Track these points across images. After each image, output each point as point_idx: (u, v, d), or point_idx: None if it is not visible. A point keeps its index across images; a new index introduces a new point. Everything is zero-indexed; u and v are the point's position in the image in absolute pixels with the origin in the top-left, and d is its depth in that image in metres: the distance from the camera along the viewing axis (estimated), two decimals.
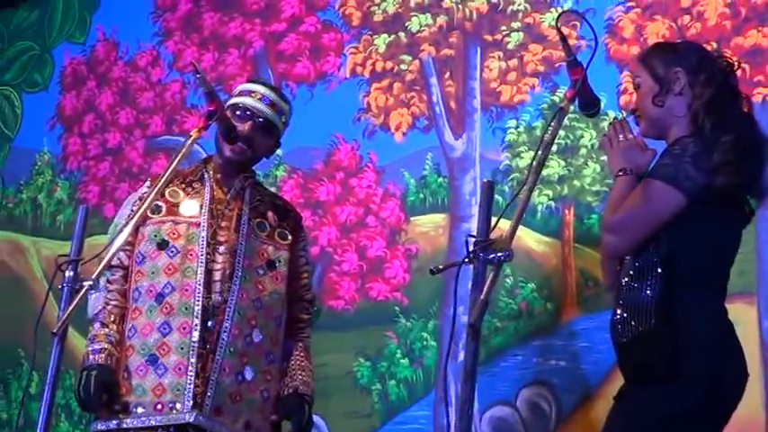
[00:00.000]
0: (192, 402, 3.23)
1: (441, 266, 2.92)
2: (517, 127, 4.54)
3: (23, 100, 5.84)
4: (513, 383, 4.28)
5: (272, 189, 4.46)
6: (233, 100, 3.55)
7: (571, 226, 4.33)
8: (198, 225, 3.42)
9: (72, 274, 3.06)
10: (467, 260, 2.69)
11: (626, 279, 3.06)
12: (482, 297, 2.56)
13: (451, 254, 4.42)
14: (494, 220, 2.74)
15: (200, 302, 3.31)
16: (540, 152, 2.83)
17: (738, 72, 3.25)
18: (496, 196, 3.94)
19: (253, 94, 3.53)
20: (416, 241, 4.61)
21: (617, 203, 3.07)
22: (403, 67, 4.86)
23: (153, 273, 3.39)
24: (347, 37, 5.04)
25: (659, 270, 2.97)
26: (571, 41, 3.99)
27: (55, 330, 2.98)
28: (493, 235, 2.70)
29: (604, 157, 4.31)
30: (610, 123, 3.28)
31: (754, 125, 3.15)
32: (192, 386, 3.24)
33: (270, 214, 3.52)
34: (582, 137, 4.38)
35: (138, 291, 3.40)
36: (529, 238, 4.36)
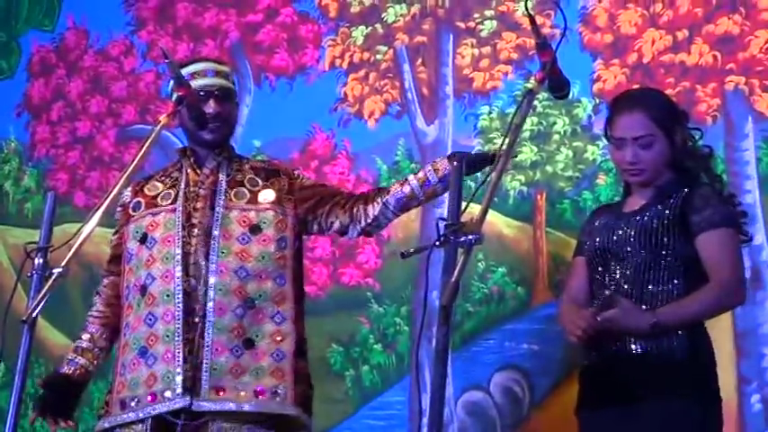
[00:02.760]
0: (181, 389, 3.22)
1: (411, 250, 2.92)
2: (490, 113, 4.55)
3: None
4: (486, 368, 4.30)
5: None
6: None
7: (543, 211, 4.35)
8: (174, 211, 3.41)
9: (41, 261, 3.04)
10: (437, 243, 2.68)
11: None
12: (453, 279, 2.56)
13: (424, 239, 4.42)
14: (464, 204, 2.74)
15: (181, 286, 3.30)
16: (509, 134, 2.82)
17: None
18: (469, 181, 3.98)
19: (196, 76, 3.50)
20: (389, 227, 4.60)
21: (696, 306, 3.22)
22: (379, 56, 4.85)
23: (137, 267, 3.40)
24: (324, 29, 5.02)
25: (679, 291, 3.22)
26: (545, 30, 4.01)
27: (24, 318, 2.96)
28: (464, 219, 2.69)
29: (577, 143, 4.34)
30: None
31: None
32: (180, 372, 3.23)
33: (248, 179, 3.49)
34: (554, 123, 4.40)
35: (128, 288, 3.42)
36: (501, 223, 4.37)
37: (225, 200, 3.42)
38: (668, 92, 4.13)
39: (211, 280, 3.30)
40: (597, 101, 4.33)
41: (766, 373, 3.87)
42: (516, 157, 3.99)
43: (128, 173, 3.15)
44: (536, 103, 4.28)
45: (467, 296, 4.33)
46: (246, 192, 3.45)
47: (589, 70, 4.35)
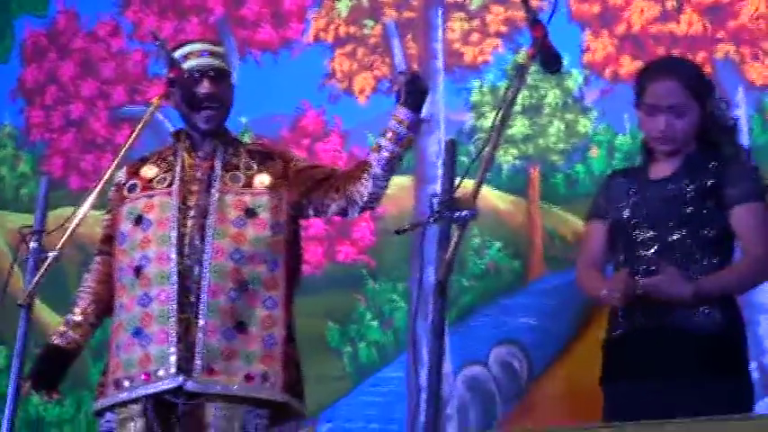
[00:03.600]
0: (175, 368, 3.20)
1: (406, 226, 2.93)
2: (481, 87, 4.56)
3: None
4: (484, 343, 4.32)
5: None
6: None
7: (536, 185, 4.36)
8: (170, 194, 3.39)
9: (36, 245, 3.06)
10: (431, 220, 2.69)
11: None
12: (448, 255, 2.57)
13: (418, 215, 4.42)
14: (458, 179, 2.74)
15: (176, 268, 3.29)
16: (502, 109, 2.82)
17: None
18: (461, 157, 3.99)
19: (190, 56, 3.46)
20: (382, 203, 4.61)
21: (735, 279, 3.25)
22: (366, 31, 4.85)
23: (130, 249, 3.37)
24: (308, 2, 5.01)
25: (712, 262, 3.20)
26: (534, 2, 4.00)
27: (21, 302, 2.97)
28: (458, 194, 2.70)
29: (568, 115, 4.35)
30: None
31: None
32: (174, 352, 3.22)
33: (243, 162, 3.47)
34: (546, 96, 4.41)
35: (120, 269, 3.38)
36: (495, 198, 4.39)
37: (220, 184, 3.41)
38: None
39: (207, 261, 3.31)
40: (587, 72, 4.34)
41: (764, 342, 3.89)
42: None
43: (120, 155, 3.16)
44: (527, 75, 4.29)
45: (463, 271, 4.34)
46: (242, 176, 3.44)
47: (578, 41, 4.37)
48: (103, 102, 5.41)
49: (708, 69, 4.07)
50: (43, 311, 4.93)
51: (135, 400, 3.26)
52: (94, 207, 3.25)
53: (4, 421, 3.07)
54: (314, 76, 4.91)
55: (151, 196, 3.42)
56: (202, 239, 3.32)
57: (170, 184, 3.42)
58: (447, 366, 4.25)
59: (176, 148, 3.51)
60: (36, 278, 2.96)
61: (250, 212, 3.38)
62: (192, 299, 3.28)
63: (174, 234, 3.34)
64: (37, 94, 5.56)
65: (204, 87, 3.42)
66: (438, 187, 2.78)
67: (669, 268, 3.16)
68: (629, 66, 4.26)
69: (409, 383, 4.38)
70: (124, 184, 3.50)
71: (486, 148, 2.76)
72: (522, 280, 4.33)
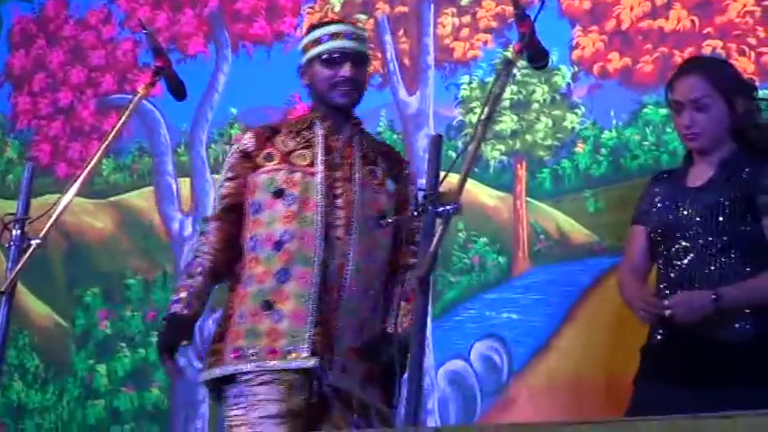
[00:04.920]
0: (308, 352, 3.20)
1: (390, 220, 2.93)
2: (470, 83, 4.56)
3: None
4: (466, 337, 4.32)
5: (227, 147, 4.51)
6: (316, 50, 3.43)
7: (523, 180, 4.36)
8: (313, 174, 3.35)
9: (19, 232, 3.04)
10: (415, 213, 2.70)
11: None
12: (431, 250, 2.57)
13: None
14: (443, 174, 2.74)
15: (321, 254, 3.26)
16: (488, 105, 2.82)
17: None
18: (450, 152, 3.99)
19: (335, 36, 3.44)
20: None
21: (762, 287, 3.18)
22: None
23: (270, 221, 3.32)
24: None
25: (744, 273, 3.18)
26: None
27: (2, 289, 2.96)
28: (443, 189, 2.70)
29: (556, 112, 4.35)
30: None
31: None
32: (309, 335, 3.21)
33: (378, 160, 3.45)
34: (534, 92, 4.41)
35: (254, 240, 3.35)
36: (481, 193, 4.39)
37: (360, 176, 3.39)
38: (645, 58, 4.16)
39: (351, 257, 3.29)
40: (576, 68, 4.35)
41: None
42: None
43: (106, 143, 3.16)
44: (515, 71, 4.29)
45: (448, 266, 4.35)
46: (379, 172, 3.43)
47: (567, 38, 4.36)
48: (92, 90, 5.41)
49: None
50: (27, 298, 4.92)
51: (258, 372, 3.23)
52: (79, 195, 3.23)
53: None
54: None
55: (292, 171, 3.36)
56: (347, 233, 3.31)
57: (311, 164, 3.37)
58: (429, 360, 4.26)
59: (312, 124, 3.46)
60: (18, 266, 2.95)
61: (382, 215, 3.36)
62: (332, 291, 3.27)
63: (320, 219, 3.29)
64: (24, 81, 5.56)
65: (345, 70, 3.39)
66: (423, 181, 2.78)
67: (680, 293, 3.17)
68: (618, 62, 4.27)
69: None
70: (253, 151, 3.44)
71: (472, 143, 2.76)
72: (506, 275, 4.33)
